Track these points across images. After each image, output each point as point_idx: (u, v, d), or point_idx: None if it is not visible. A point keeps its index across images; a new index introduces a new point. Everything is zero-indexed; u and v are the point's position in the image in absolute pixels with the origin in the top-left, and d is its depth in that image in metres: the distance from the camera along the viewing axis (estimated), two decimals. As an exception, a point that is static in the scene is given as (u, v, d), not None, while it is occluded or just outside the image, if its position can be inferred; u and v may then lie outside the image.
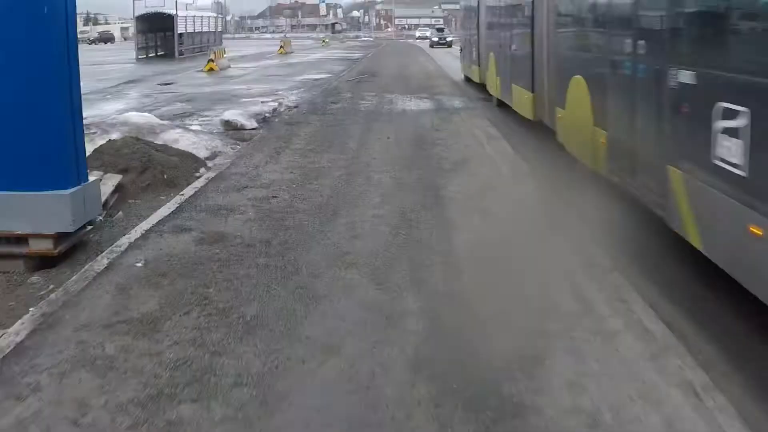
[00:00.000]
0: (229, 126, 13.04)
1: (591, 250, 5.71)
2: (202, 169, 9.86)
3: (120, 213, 7.36)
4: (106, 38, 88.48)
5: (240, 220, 6.86)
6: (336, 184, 8.32)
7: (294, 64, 36.06)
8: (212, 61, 31.10)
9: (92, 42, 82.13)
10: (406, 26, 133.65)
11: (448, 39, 58.59)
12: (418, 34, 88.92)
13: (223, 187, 8.27)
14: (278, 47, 48.45)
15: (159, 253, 5.82)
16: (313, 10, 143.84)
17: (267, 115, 15.15)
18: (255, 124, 13.32)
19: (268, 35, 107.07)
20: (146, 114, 13.04)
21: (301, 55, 44.84)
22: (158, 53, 47.16)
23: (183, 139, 11.62)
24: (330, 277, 5.21)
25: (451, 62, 36.20)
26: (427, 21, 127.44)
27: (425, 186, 8.18)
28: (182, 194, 8.00)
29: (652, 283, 5.18)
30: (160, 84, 25.91)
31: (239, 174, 8.96)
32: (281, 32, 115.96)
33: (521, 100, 12.17)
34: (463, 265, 5.44)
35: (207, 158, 10.90)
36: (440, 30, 68.15)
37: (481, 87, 18.57)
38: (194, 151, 11.09)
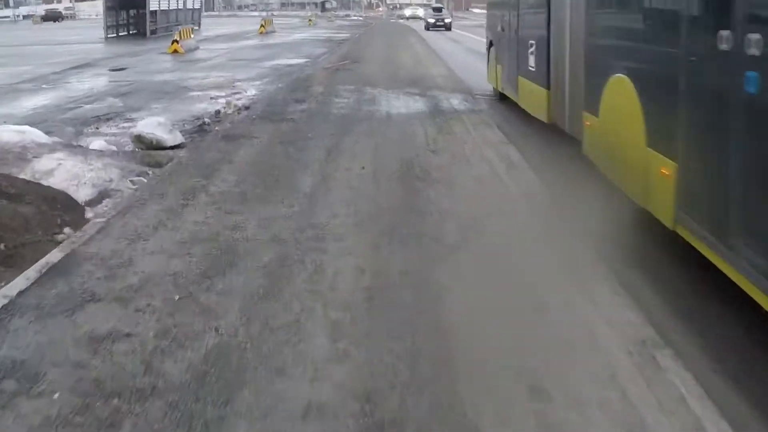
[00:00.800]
0: (142, 143, 9.08)
1: None
2: (67, 229, 6.06)
3: None
4: (54, 17, 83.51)
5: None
6: (251, 296, 4.43)
7: (271, 45, 31.94)
8: (176, 42, 27.00)
9: (38, 22, 77.11)
10: (398, 5, 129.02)
11: (447, 20, 50.88)
12: (408, 13, 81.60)
13: (52, 298, 4.38)
14: (259, 26, 44.20)
15: None
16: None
17: (205, 121, 11.20)
18: (179, 140, 9.37)
19: (255, 14, 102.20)
20: (25, 128, 9.11)
21: (282, 36, 40.64)
22: (130, 32, 42.91)
23: (61, 170, 7.76)
24: None
25: (446, 46, 32.13)
26: (419, 1, 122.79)
27: (415, 303, 4.30)
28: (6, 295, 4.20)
29: None
30: (110, 69, 22.00)
31: (96, 261, 5.04)
32: (269, 11, 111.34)
33: (531, 96, 10.14)
34: None
35: (88, 203, 7.10)
36: (437, 10, 56.76)
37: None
38: (72, 190, 7.31)
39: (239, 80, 17.32)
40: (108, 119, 12.07)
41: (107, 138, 10.11)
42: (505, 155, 8.35)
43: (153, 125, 9.21)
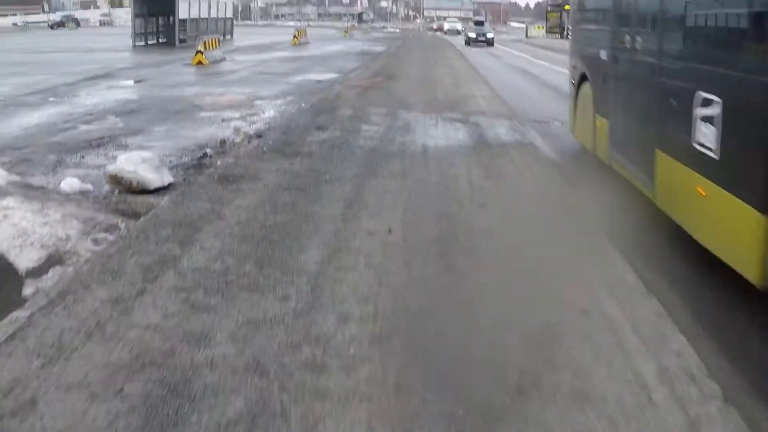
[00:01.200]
0: (120, 184, 7.35)
1: None
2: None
3: None
4: (64, 23, 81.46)
5: None
6: None
7: (302, 58, 30.32)
8: (200, 53, 25.47)
9: (51, 26, 75.80)
10: (435, 18, 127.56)
11: (489, 35, 47.70)
12: (446, 26, 77.34)
13: None
14: (292, 37, 42.72)
15: None
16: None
17: (207, 152, 9.45)
18: (167, 180, 7.61)
19: (291, 23, 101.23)
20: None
21: (314, 47, 39.08)
22: (159, 40, 41.69)
23: (5, 224, 6.12)
24: None
25: (486, 61, 30.24)
26: (456, 13, 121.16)
27: None
28: None
29: None
30: (128, 79, 20.58)
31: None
32: (306, 20, 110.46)
33: (708, 210, 5.10)
34: None
35: (31, 272, 5.48)
36: (479, 23, 52.85)
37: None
38: (13, 254, 5.70)
39: (259, 98, 15.63)
40: (99, 145, 10.39)
41: (87, 172, 8.42)
42: (581, 221, 6.47)
43: (136, 161, 7.46)
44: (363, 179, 7.64)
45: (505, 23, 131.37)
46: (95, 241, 6.03)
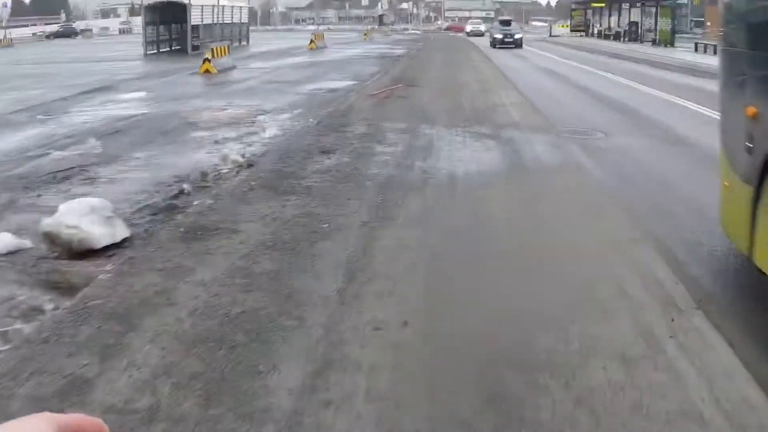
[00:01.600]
0: (57, 244, 5.63)
1: None
2: None
3: None
4: (68, 33, 76.34)
5: None
6: None
7: (317, 63, 28.59)
8: (208, 61, 23.84)
9: (48, 37, 71.87)
10: (456, 19, 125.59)
11: (517, 36, 42.56)
12: (469, 28, 71.26)
13: None
14: (309, 42, 41.05)
15: None
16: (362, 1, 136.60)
17: (184, 188, 7.72)
18: (121, 235, 5.89)
19: (311, 27, 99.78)
20: None
21: (332, 52, 37.35)
22: (173, 47, 40.23)
23: None
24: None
25: (512, 63, 28.21)
26: (478, 14, 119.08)
27: None
28: None
29: None
30: (127, 92, 19.04)
31: None
32: (327, 24, 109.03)
33: None
34: None
35: None
36: (505, 23, 45.95)
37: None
38: None
39: (263, 112, 13.92)
40: (64, 178, 8.73)
41: (33, 219, 6.70)
42: (662, 289, 4.64)
43: (80, 211, 5.76)
44: (372, 229, 5.87)
45: (527, 22, 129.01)
46: (2, 337, 4.33)
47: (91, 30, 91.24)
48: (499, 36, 42.64)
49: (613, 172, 8.79)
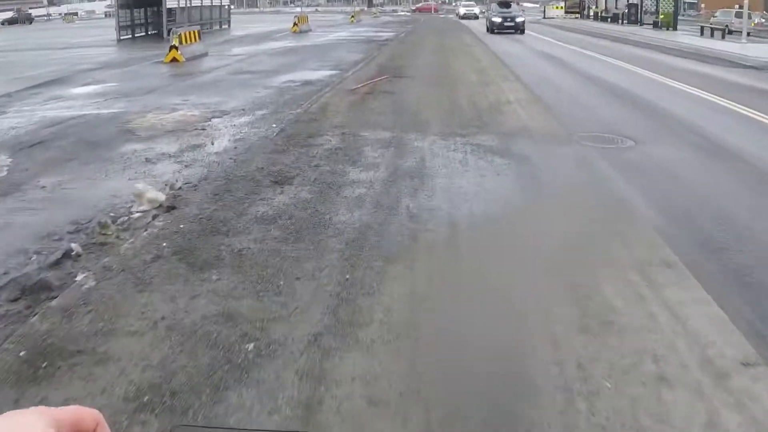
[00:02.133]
0: None
1: None
2: None
3: None
4: (22, 19, 69.90)
5: None
6: None
7: (297, 49, 25.93)
8: (175, 48, 21.17)
9: (2, 23, 66.51)
10: (446, 1, 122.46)
11: (519, 20, 36.04)
12: (462, 10, 65.36)
13: None
14: (292, 24, 38.32)
15: None
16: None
17: (71, 250, 5.17)
18: None
19: (299, 10, 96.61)
20: None
21: (316, 35, 34.65)
22: (149, 32, 37.44)
23: None
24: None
25: (508, 47, 25.39)
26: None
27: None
28: None
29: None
30: (79, 86, 16.49)
31: None
32: (315, 6, 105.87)
33: None
34: None
35: None
36: (505, 4, 37.95)
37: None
38: None
39: (220, 114, 11.38)
40: None
41: None
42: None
43: None
44: (325, 355, 3.38)
45: (518, 3, 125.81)
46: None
47: (76, 13, 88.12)
48: (498, 19, 36.21)
49: (659, 203, 6.38)
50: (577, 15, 57.97)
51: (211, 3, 41.24)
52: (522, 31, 35.50)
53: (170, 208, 5.94)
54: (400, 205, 5.98)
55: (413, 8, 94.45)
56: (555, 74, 18.03)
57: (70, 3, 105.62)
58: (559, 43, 29.60)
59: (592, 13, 53.85)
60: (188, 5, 37.30)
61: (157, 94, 14.49)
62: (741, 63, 20.57)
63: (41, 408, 0.61)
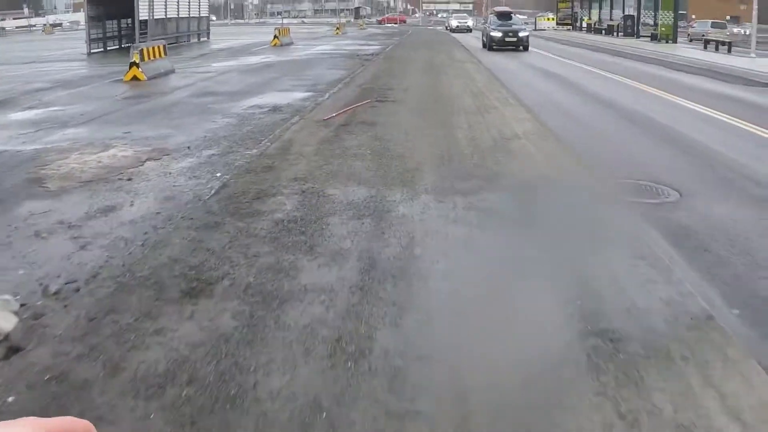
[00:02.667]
0: None
1: None
2: None
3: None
4: None
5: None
6: None
7: (273, 65, 23.54)
8: (135, 65, 18.74)
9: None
10: (434, 12, 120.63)
11: (522, 35, 30.66)
12: (454, 23, 59.54)
13: None
14: (273, 37, 35.98)
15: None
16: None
17: None
18: None
19: (286, 21, 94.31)
20: None
21: (297, 49, 32.31)
22: (122, 45, 34.98)
23: None
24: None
25: (503, 63, 22.58)
26: (455, 6, 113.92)
27: None
28: None
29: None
30: (19, 110, 14.19)
31: None
32: (301, 17, 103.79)
33: None
34: None
35: None
36: (505, 16, 32.45)
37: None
38: None
39: (159, 155, 8.99)
40: None
41: None
42: None
43: None
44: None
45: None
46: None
47: (61, 24, 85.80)
48: (497, 34, 30.34)
49: (749, 317, 4.04)
50: (569, 27, 55.89)
51: (189, 15, 38.79)
52: (526, 48, 30.40)
53: (12, 351, 3.54)
54: (373, 348, 3.59)
55: (379, 19, 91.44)
56: (559, 95, 15.73)
57: (55, 13, 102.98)
58: (556, 57, 27.34)
59: (584, 25, 51.69)
60: (164, 17, 34.87)
61: (97, 124, 12.08)
62: (759, 81, 18.36)
63: (32, 419, 0.60)
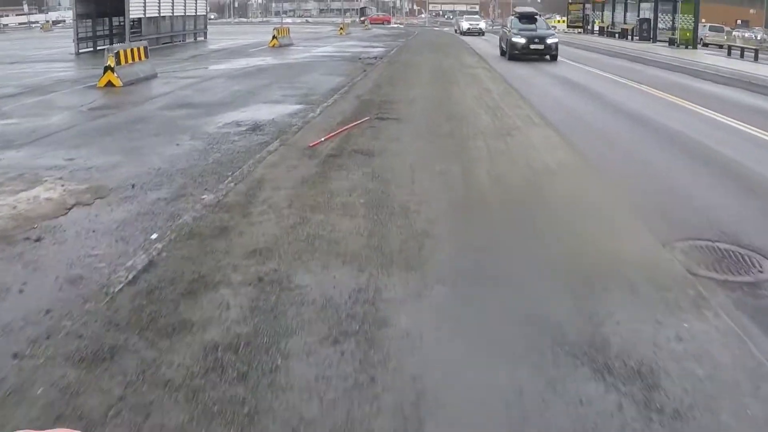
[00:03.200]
0: None
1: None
2: None
3: None
4: None
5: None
6: None
7: (266, 69, 21.37)
8: (110, 69, 16.60)
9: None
10: (440, 12, 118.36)
11: (550, 41, 25.25)
12: (465, 25, 53.95)
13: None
14: (271, 38, 33.84)
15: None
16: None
17: None
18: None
19: (289, 20, 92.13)
20: None
21: (296, 51, 30.13)
22: (113, 44, 32.77)
23: None
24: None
25: (518, 70, 19.72)
26: (462, 8, 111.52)
27: None
28: None
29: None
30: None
31: None
32: (306, 17, 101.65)
33: None
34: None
35: None
36: (529, 19, 26.51)
37: None
38: None
39: (92, 195, 6.87)
40: None
41: None
42: None
43: None
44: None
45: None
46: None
47: (64, 21, 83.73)
48: (520, 40, 24.87)
49: None
50: (580, 30, 53.59)
51: (185, 13, 36.60)
52: (554, 58, 25.29)
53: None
54: None
55: (362, 18, 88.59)
56: (585, 110, 13.54)
57: (58, 10, 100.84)
58: (572, 62, 25.10)
59: (596, 28, 49.35)
60: (158, 15, 32.72)
61: (44, 145, 9.95)
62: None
63: None
